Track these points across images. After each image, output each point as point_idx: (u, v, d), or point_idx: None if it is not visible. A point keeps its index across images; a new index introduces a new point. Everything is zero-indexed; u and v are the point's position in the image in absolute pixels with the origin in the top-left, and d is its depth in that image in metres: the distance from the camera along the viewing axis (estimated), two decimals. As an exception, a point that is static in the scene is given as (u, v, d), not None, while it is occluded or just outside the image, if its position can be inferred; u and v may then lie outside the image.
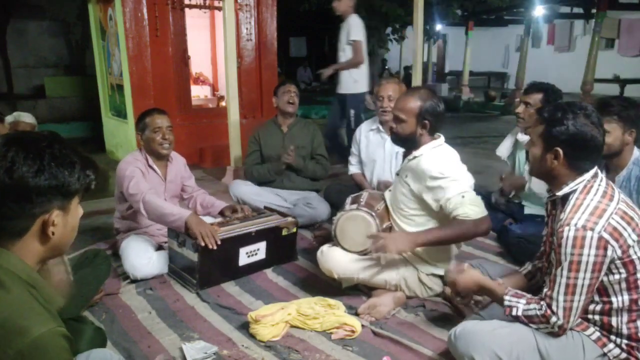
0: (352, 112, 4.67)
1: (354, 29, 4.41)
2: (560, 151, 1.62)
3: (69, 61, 9.02)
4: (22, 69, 8.66)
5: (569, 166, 1.64)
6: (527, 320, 1.66)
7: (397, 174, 2.45)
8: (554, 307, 1.58)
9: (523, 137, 3.14)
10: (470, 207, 2.11)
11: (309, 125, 3.72)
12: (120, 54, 5.39)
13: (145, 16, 5.19)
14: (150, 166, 2.82)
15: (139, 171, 2.72)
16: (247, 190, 3.39)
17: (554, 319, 1.59)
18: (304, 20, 10.97)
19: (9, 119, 3.43)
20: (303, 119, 3.88)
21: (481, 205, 2.16)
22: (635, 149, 2.41)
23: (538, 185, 2.92)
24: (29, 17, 8.43)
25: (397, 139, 2.38)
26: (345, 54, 4.54)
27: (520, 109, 3.09)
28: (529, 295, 1.71)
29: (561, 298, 1.57)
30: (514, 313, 1.68)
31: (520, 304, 1.68)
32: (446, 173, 2.17)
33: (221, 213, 2.94)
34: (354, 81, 4.53)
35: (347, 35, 4.47)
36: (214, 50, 6.60)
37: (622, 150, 2.34)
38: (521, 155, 3.26)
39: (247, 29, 5.85)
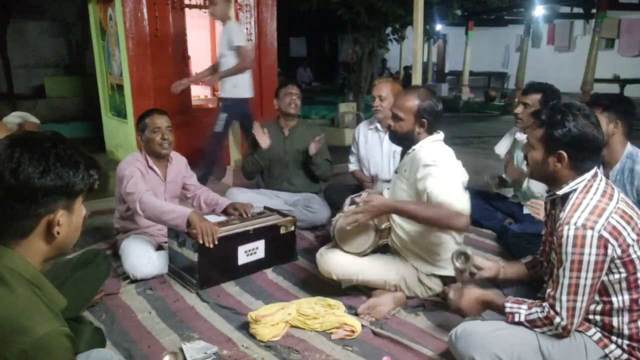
0: (223, 115, 4.39)
1: (236, 35, 4.27)
2: (565, 154, 1.62)
3: (69, 61, 9.02)
4: (22, 69, 8.66)
5: (572, 167, 1.64)
6: (531, 324, 1.66)
7: (396, 172, 2.45)
8: (557, 308, 1.59)
9: (521, 136, 3.16)
10: (455, 197, 2.10)
11: (312, 128, 3.69)
12: (120, 54, 5.39)
13: (145, 16, 5.19)
14: (150, 167, 2.82)
15: (138, 171, 2.72)
16: (244, 198, 3.38)
17: (557, 319, 1.59)
18: (304, 20, 10.96)
19: (13, 119, 3.27)
20: (305, 120, 3.87)
21: (467, 202, 2.15)
22: (629, 145, 2.48)
23: (537, 185, 2.93)
24: (29, 17, 8.43)
25: (395, 136, 2.38)
26: (227, 60, 4.31)
27: (519, 109, 3.11)
28: (529, 301, 1.71)
29: (564, 298, 1.57)
30: (516, 319, 1.68)
31: (522, 310, 1.68)
32: (438, 162, 2.17)
33: (225, 211, 2.94)
34: (233, 86, 4.33)
35: (228, 42, 4.29)
36: (214, 50, 6.59)
37: (609, 141, 2.42)
38: (519, 154, 3.26)
39: (247, 29, 5.85)
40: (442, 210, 2.08)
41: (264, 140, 3.42)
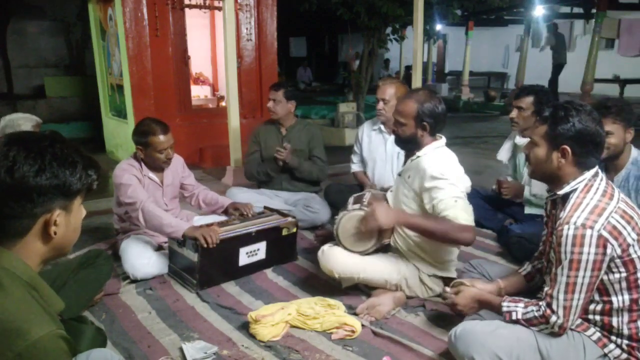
0: None
1: None
2: (569, 149, 1.62)
3: (69, 61, 9.01)
4: (22, 69, 8.66)
5: (576, 163, 1.64)
6: (527, 323, 1.66)
7: (399, 175, 2.45)
8: (554, 306, 1.59)
9: (521, 140, 3.15)
10: (460, 212, 2.12)
11: (309, 127, 3.68)
12: (120, 54, 5.39)
13: (145, 16, 5.19)
14: (145, 174, 2.80)
15: (135, 178, 2.70)
16: (244, 198, 3.37)
17: (554, 318, 1.59)
18: (304, 20, 10.97)
19: (23, 122, 3.10)
20: (304, 120, 3.86)
21: (471, 214, 2.17)
22: (633, 149, 2.43)
23: (540, 187, 2.93)
24: (29, 17, 8.42)
25: (399, 140, 2.40)
26: None
27: (513, 113, 3.10)
28: (526, 299, 1.71)
29: (561, 297, 1.57)
30: (513, 317, 1.69)
31: (519, 308, 1.69)
32: (446, 175, 2.18)
33: (225, 211, 2.93)
34: None
35: None
36: (214, 50, 6.60)
37: (623, 150, 2.37)
38: (521, 158, 3.25)
39: (247, 29, 5.85)
40: (450, 227, 2.10)
41: (284, 156, 3.38)
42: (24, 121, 3.08)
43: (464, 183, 2.29)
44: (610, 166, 2.43)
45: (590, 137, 1.61)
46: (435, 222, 2.14)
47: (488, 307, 1.83)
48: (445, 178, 2.17)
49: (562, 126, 1.62)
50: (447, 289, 1.97)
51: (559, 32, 10.81)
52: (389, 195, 2.53)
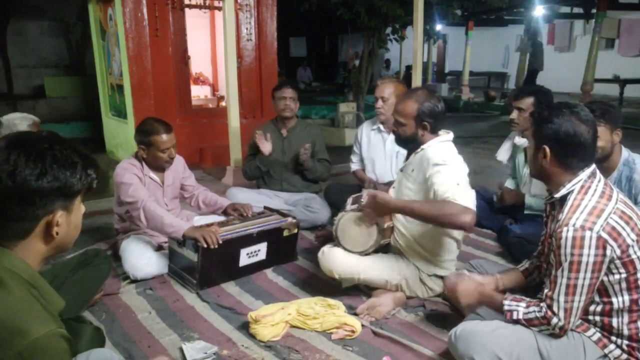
0: None
1: None
2: (547, 149, 1.64)
3: (69, 61, 9.02)
4: (22, 69, 8.66)
5: (559, 164, 1.65)
6: (528, 323, 1.66)
7: (401, 170, 2.45)
8: (554, 308, 1.59)
9: (520, 141, 3.16)
10: (461, 194, 2.04)
11: (310, 128, 3.68)
12: (120, 54, 5.39)
13: (145, 16, 5.19)
14: (146, 174, 2.80)
15: (137, 178, 2.70)
16: (244, 198, 3.38)
17: (554, 320, 1.59)
18: (304, 20, 10.98)
19: (19, 121, 3.09)
20: (304, 120, 3.85)
21: (473, 199, 2.11)
22: (624, 150, 2.44)
23: (539, 188, 2.93)
24: (29, 17, 8.43)
25: (400, 140, 2.39)
26: None
27: (513, 114, 3.11)
28: (528, 299, 1.71)
29: (562, 299, 1.57)
30: (514, 317, 1.69)
31: (521, 308, 1.68)
32: (448, 161, 2.17)
33: (225, 212, 2.93)
34: None
35: None
36: (214, 50, 6.60)
37: (612, 151, 2.37)
38: (520, 158, 3.26)
39: (247, 29, 5.86)
40: (448, 207, 2.02)
41: (265, 146, 3.42)
42: (20, 121, 3.07)
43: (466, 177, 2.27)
44: (601, 168, 2.43)
45: (569, 138, 1.60)
46: (432, 205, 2.08)
47: (489, 302, 1.82)
48: (448, 164, 2.15)
49: (542, 126, 1.65)
50: (451, 276, 1.96)
51: (537, 40, 10.91)
52: (392, 191, 2.52)
